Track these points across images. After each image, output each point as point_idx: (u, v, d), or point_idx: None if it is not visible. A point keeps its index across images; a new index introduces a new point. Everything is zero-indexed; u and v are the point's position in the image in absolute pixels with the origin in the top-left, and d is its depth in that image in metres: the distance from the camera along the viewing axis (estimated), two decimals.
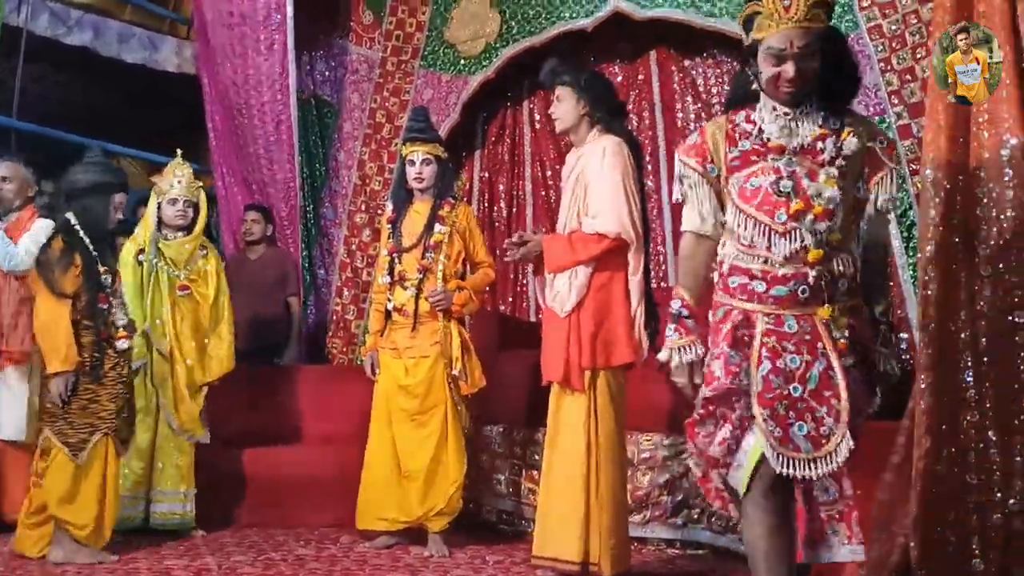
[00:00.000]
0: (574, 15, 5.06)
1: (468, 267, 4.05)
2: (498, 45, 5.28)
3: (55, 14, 5.16)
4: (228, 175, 5.41)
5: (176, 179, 4.16)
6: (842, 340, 2.17)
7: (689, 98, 5.22)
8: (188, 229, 4.20)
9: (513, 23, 5.25)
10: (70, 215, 3.64)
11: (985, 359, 2.67)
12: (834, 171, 2.18)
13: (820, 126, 2.22)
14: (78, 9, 5.36)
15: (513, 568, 3.59)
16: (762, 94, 2.25)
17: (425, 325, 3.84)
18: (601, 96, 3.44)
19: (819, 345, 2.16)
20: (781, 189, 2.18)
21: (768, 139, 2.23)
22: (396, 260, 3.91)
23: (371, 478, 3.90)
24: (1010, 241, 2.66)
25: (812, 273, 2.17)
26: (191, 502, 4.09)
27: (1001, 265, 2.67)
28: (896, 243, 3.83)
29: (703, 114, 5.14)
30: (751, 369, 2.18)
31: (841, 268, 2.20)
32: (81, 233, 3.61)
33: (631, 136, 3.56)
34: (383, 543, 3.91)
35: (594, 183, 3.29)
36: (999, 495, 2.63)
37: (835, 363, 2.16)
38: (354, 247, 5.56)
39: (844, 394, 2.14)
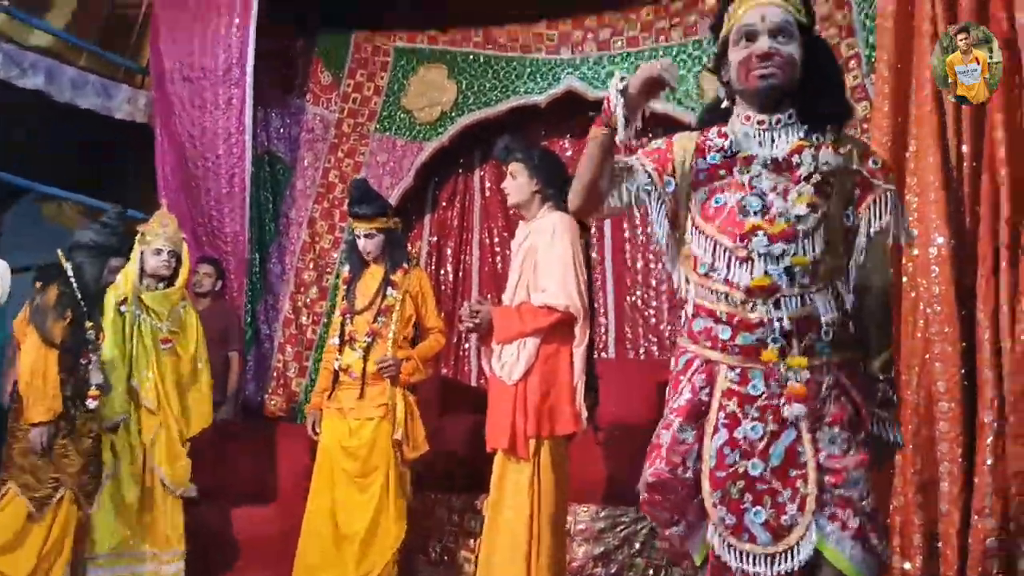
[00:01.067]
0: (528, 91, 5.23)
1: (420, 331, 4.07)
2: (453, 114, 5.40)
3: (9, 56, 5.11)
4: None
5: (161, 228, 4.11)
6: (798, 384, 1.84)
7: None
8: (170, 280, 4.14)
9: (469, 94, 5.38)
10: (68, 267, 3.69)
11: (910, 447, 2.80)
12: (808, 188, 1.89)
13: (801, 139, 1.93)
14: (33, 52, 5.32)
15: None
16: (736, 104, 2.02)
17: (371, 387, 3.84)
18: (553, 174, 3.55)
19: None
20: (745, 207, 1.91)
21: (737, 151, 1.96)
22: (348, 321, 3.94)
23: (309, 538, 3.85)
24: (935, 334, 2.82)
25: (784, 316, 1.85)
26: (182, 560, 3.97)
27: (927, 356, 2.82)
28: None
29: None
30: (705, 441, 1.91)
31: (824, 311, 1.88)
32: (75, 287, 3.66)
33: None
34: None
35: (543, 257, 3.37)
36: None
37: (805, 435, 1.84)
38: (300, 304, 5.54)
39: (812, 475, 1.83)
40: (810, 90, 1.94)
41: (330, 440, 3.91)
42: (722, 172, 1.97)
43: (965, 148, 2.89)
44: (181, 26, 5.28)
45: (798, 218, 1.87)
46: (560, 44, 5.20)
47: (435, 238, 5.79)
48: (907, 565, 2.76)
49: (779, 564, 1.81)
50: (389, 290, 3.93)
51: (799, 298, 1.87)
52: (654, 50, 4.91)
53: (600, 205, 2.05)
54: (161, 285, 4.12)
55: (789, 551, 1.82)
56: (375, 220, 3.97)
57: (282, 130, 5.73)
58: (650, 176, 2.01)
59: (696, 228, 1.98)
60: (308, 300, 5.55)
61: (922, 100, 2.93)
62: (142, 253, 4.08)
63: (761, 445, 1.86)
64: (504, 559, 3.25)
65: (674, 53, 4.86)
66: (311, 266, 5.58)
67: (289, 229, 5.62)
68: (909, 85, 3.02)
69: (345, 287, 4.04)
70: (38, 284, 3.89)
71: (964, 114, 2.89)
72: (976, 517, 2.67)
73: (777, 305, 1.86)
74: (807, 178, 1.89)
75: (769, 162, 1.92)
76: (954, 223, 2.88)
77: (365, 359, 3.85)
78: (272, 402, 5.40)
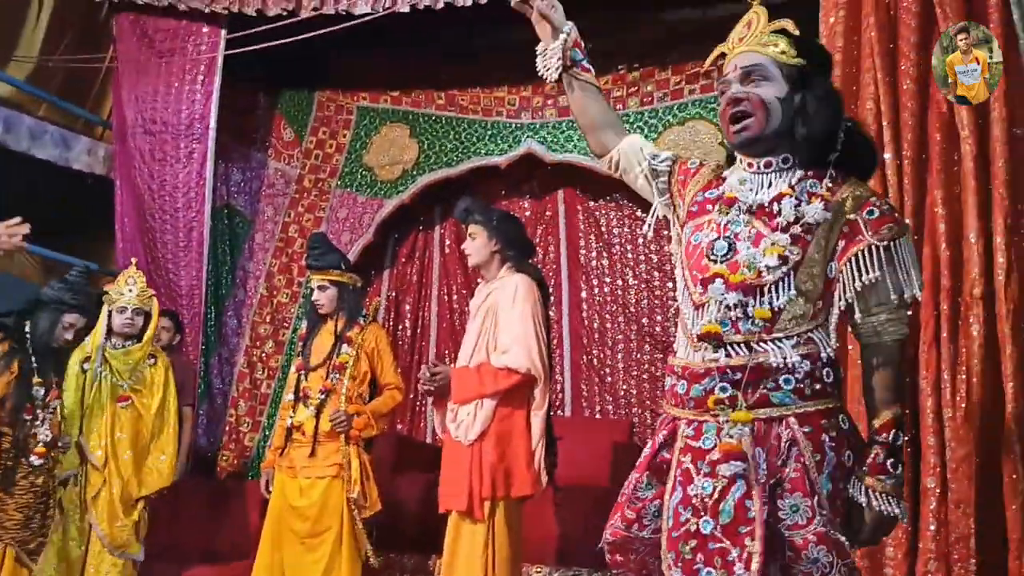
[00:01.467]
0: (489, 152, 5.34)
1: (377, 387, 4.04)
2: (415, 172, 5.48)
3: None
4: None
5: (127, 287, 4.09)
6: (732, 440, 1.78)
7: (592, 236, 5.50)
8: (138, 338, 4.11)
9: (431, 153, 5.47)
10: (27, 326, 3.71)
11: None
12: (783, 238, 1.84)
13: (791, 185, 1.89)
14: None
15: None
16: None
17: (323, 446, 3.81)
18: (513, 236, 3.62)
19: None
20: (712, 250, 1.89)
21: (725, 192, 1.96)
22: (303, 378, 3.93)
23: None
24: None
25: (728, 365, 1.81)
26: None
27: None
28: None
29: (604, 252, 5.43)
30: (665, 499, 1.88)
31: (783, 359, 1.80)
32: (29, 343, 3.67)
33: (539, 274, 3.73)
34: None
35: (505, 319, 3.41)
36: None
37: (755, 490, 1.76)
38: (255, 358, 5.50)
39: (759, 531, 1.74)
40: (812, 139, 1.90)
41: (279, 500, 3.86)
42: (709, 208, 1.96)
43: (908, 222, 3.01)
44: (144, 81, 5.32)
45: (768, 268, 1.83)
46: (521, 108, 5.34)
47: (394, 293, 5.83)
48: None
49: None
50: (343, 347, 3.92)
51: (747, 346, 1.82)
52: None
53: (599, 140, 2.16)
54: (129, 343, 4.09)
55: None
56: (328, 272, 3.99)
57: (242, 184, 5.76)
58: (671, 193, 2.08)
59: (680, 262, 2.00)
60: (263, 354, 5.53)
61: None
62: (109, 312, 4.07)
63: (711, 502, 1.79)
64: None
65: (631, 120, 5.01)
66: (268, 320, 5.57)
67: (246, 282, 5.62)
68: None
69: (301, 343, 4.04)
70: None
71: (906, 190, 3.01)
72: None
73: (722, 353, 1.83)
74: (785, 228, 1.85)
75: (754, 207, 1.89)
76: None
77: (318, 417, 3.83)
78: (223, 457, 5.34)
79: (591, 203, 5.52)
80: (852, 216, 1.85)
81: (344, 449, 3.80)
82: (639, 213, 5.32)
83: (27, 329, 3.71)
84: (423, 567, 4.22)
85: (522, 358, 3.34)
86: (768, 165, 1.93)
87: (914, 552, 2.78)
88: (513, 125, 5.35)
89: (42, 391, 3.66)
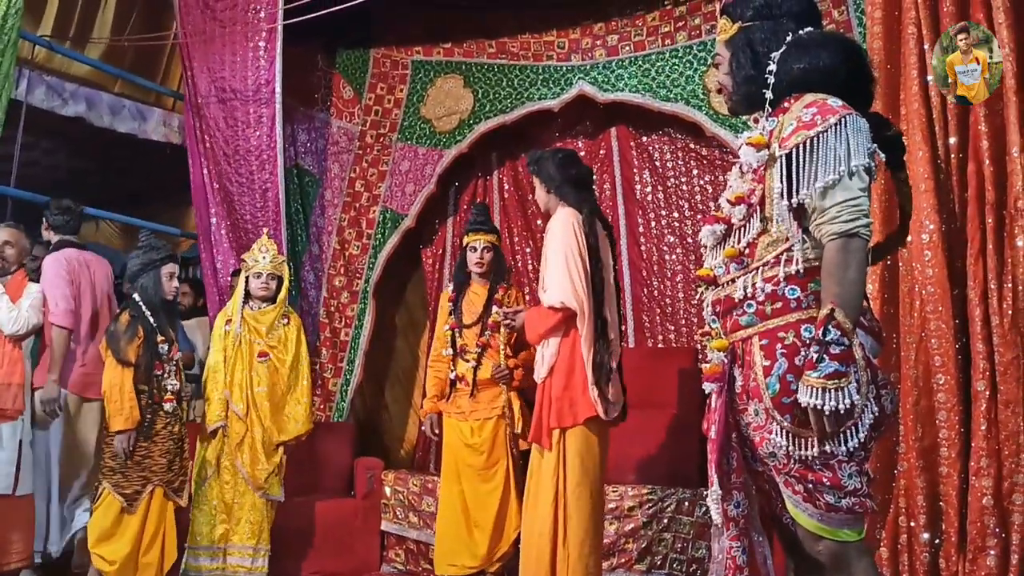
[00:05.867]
0: (542, 96, 5.48)
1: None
2: (471, 121, 5.66)
3: (51, 87, 5.43)
4: (215, 239, 5.60)
5: (262, 255, 4.52)
6: (708, 364, 2.10)
7: (647, 171, 5.63)
8: (272, 299, 4.54)
9: (485, 102, 5.65)
10: (136, 295, 4.11)
11: (911, 417, 3.06)
12: (742, 185, 2.10)
13: (760, 134, 2.07)
14: (72, 82, 5.63)
15: None
16: None
17: (483, 392, 4.27)
18: (555, 172, 3.69)
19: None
20: (718, 207, 2.22)
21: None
22: (457, 335, 4.36)
23: (443, 528, 4.28)
24: (930, 312, 3.07)
25: (712, 300, 2.16)
26: (262, 557, 4.29)
27: (923, 333, 3.07)
28: None
29: (659, 186, 5.56)
30: None
31: (746, 288, 2.05)
32: (144, 308, 4.06)
33: (593, 203, 3.75)
34: None
35: (546, 258, 3.58)
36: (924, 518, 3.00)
37: (716, 402, 2.08)
38: (333, 308, 5.82)
39: (715, 438, 2.08)
40: (733, 88, 2.18)
41: (454, 439, 4.32)
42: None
43: (952, 140, 3.13)
44: (211, 50, 5.54)
45: (733, 212, 2.10)
46: (570, 51, 5.46)
47: (458, 239, 6.04)
48: (912, 523, 3.02)
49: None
50: (495, 307, 4.33)
51: (731, 282, 2.09)
52: (660, 53, 5.16)
53: None
54: (264, 305, 4.52)
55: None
56: (493, 236, 4.44)
57: (308, 144, 6.01)
58: None
59: None
60: (340, 304, 5.84)
61: (910, 98, 3.17)
62: (247, 277, 4.48)
63: (711, 414, 2.11)
64: (535, 541, 3.47)
65: (680, 55, 5.11)
66: (341, 272, 5.86)
67: (320, 238, 5.91)
68: (899, 83, 3.26)
69: (451, 304, 4.45)
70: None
71: (950, 109, 3.12)
72: (973, 478, 2.91)
73: (714, 293, 2.15)
74: (743, 173, 2.11)
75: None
76: (944, 210, 3.12)
77: (476, 368, 4.28)
78: (312, 403, 5.67)
79: (643, 138, 5.64)
80: (776, 141, 2.00)
81: (505, 396, 4.24)
82: (691, 145, 5.43)
83: (137, 296, 4.09)
84: None
85: (556, 293, 3.44)
86: (755, 122, 2.15)
87: (967, 451, 2.96)
88: (564, 68, 5.48)
89: (166, 347, 4.08)
